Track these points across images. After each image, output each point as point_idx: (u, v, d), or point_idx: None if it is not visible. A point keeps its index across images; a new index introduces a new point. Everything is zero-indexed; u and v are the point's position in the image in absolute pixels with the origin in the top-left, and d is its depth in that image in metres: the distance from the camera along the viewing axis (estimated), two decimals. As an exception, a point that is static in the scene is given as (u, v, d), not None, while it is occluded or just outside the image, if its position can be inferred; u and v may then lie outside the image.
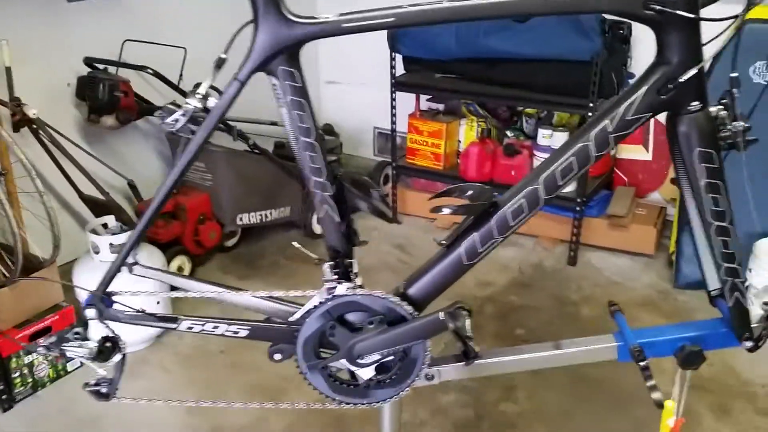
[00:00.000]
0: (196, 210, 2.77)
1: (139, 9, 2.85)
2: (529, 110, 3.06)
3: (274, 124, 3.32)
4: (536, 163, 2.91)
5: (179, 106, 1.22)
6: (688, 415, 2.03)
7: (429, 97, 3.31)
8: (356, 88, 3.82)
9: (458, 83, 2.97)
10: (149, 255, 2.34)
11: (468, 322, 1.11)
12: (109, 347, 1.28)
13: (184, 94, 2.72)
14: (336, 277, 1.22)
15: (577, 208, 2.82)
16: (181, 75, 2.66)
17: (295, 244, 1.39)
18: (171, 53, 2.66)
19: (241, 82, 1.18)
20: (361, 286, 1.24)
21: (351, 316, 1.23)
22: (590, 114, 2.66)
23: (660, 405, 1.09)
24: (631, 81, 2.92)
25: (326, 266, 1.22)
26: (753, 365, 2.21)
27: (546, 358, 1.23)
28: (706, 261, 1.18)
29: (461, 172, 3.03)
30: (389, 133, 3.29)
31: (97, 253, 2.23)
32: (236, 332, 1.22)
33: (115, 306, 1.31)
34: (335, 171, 1.22)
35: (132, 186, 2.79)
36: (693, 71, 1.04)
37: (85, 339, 1.28)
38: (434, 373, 1.24)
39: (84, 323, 1.29)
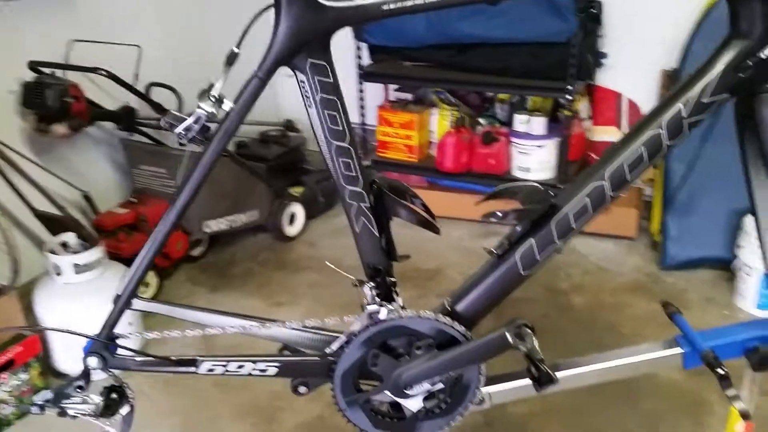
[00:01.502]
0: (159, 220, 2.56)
1: (86, 6, 2.62)
2: (502, 96, 2.96)
3: (234, 122, 3.15)
4: (514, 150, 2.82)
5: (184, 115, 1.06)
6: (702, 405, 2.00)
7: (396, 87, 3.18)
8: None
9: (429, 71, 2.86)
10: (116, 274, 2.14)
11: (536, 342, 0.99)
12: (115, 399, 1.11)
13: (140, 95, 2.52)
14: (378, 299, 1.08)
15: (560, 194, 2.75)
16: (136, 75, 2.45)
17: (328, 263, 1.24)
18: (122, 53, 2.45)
19: (262, 80, 1.02)
20: (403, 307, 1.10)
21: (394, 342, 1.09)
22: (568, 97, 2.59)
23: (746, 416, 1.00)
24: (604, 61, 2.92)
25: (367, 288, 1.08)
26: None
27: (607, 371, 1.13)
28: (768, 242, 1.09)
29: (437, 163, 2.92)
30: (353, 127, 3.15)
31: (59, 274, 2.03)
32: (264, 370, 1.07)
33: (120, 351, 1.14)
34: (371, 177, 1.08)
35: (87, 198, 2.57)
36: None
37: (87, 393, 1.10)
38: (485, 396, 1.12)
39: (85, 374, 1.11)
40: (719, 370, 1.01)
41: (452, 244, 2.95)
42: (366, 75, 2.92)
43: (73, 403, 1.10)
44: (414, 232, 3.10)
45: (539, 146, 2.74)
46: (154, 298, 2.49)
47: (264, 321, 1.11)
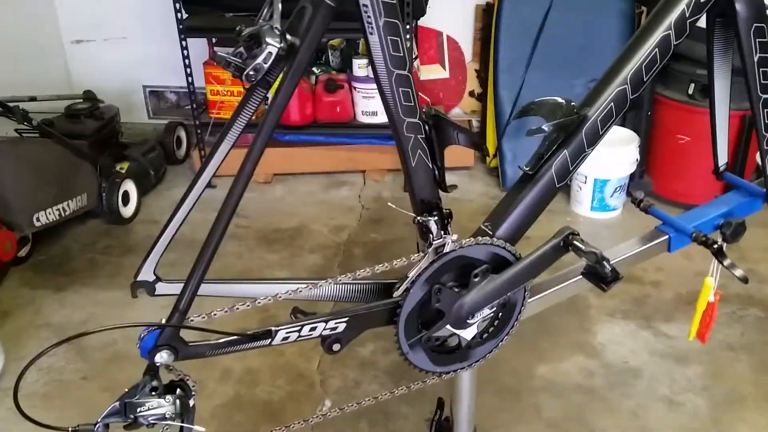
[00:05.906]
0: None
1: None
2: (333, 42, 2.92)
3: (33, 99, 2.74)
4: (357, 95, 2.81)
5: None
6: (579, 302, 2.21)
7: (215, 41, 2.98)
8: (113, 45, 3.29)
9: (253, 21, 2.71)
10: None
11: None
12: (183, 395, 0.93)
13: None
14: (443, 232, 1.04)
15: (405, 134, 2.81)
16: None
17: (391, 204, 1.18)
18: None
19: (333, 6, 0.92)
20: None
21: (448, 276, 1.07)
22: (407, 36, 2.63)
23: (745, 280, 1.12)
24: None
25: (431, 222, 1.03)
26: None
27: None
28: (721, 140, 1.23)
29: (281, 117, 2.81)
30: (162, 90, 2.91)
31: None
32: (335, 328, 0.98)
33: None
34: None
35: None
36: None
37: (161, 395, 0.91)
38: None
39: (154, 374, 0.91)
40: (714, 245, 1.12)
41: (305, 199, 2.89)
42: (187, 30, 2.69)
43: (151, 410, 0.90)
44: (259, 196, 3.00)
45: (382, 89, 2.76)
46: None
47: (313, 281, 1.01)
